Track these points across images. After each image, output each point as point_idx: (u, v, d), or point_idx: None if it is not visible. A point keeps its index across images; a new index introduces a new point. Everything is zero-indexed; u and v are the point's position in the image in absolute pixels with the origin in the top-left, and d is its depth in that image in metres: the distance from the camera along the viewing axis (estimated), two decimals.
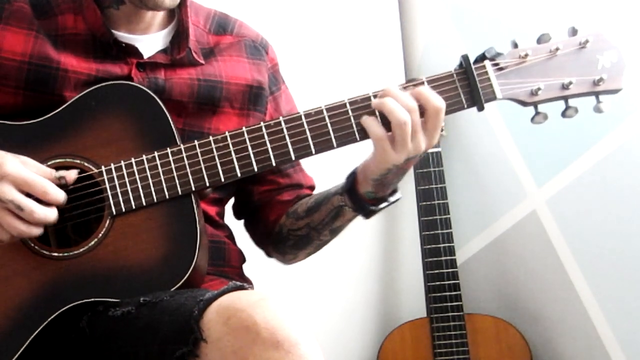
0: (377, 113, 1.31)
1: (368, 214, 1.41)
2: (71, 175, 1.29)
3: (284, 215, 1.54)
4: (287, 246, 1.55)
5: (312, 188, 1.60)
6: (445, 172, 2.39)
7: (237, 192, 1.59)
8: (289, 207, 1.54)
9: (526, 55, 1.32)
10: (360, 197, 1.38)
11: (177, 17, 1.48)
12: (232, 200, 1.61)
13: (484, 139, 2.41)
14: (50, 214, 1.25)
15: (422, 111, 1.29)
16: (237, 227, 1.60)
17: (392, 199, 1.40)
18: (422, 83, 1.31)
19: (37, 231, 1.26)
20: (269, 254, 1.62)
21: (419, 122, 1.28)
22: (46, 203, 1.25)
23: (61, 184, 1.27)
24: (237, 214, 1.63)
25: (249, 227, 1.62)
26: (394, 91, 1.29)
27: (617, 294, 2.22)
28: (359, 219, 1.44)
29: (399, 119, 1.27)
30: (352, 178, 1.39)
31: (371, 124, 1.30)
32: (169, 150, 1.32)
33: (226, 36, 1.54)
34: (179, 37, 1.46)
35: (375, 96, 1.31)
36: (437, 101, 1.28)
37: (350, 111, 1.31)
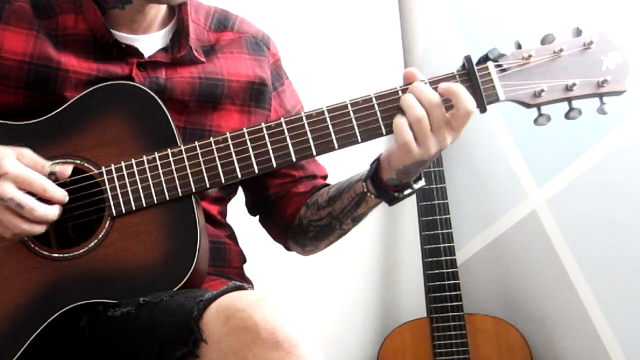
0: (379, 114, 1.31)
1: (392, 201, 1.39)
2: (64, 171, 1.28)
3: (303, 206, 1.53)
4: (307, 238, 1.54)
5: (325, 177, 1.60)
6: (445, 172, 2.40)
7: (251, 188, 1.59)
8: (306, 199, 1.53)
9: (529, 56, 1.31)
10: (384, 184, 1.37)
11: (177, 16, 1.48)
12: (234, 201, 1.60)
13: (484, 139, 2.41)
14: (51, 212, 1.25)
15: (451, 105, 1.28)
16: (239, 227, 1.60)
17: (416, 186, 1.39)
18: (425, 84, 1.31)
19: (38, 229, 1.26)
20: (288, 248, 1.61)
21: (442, 118, 1.28)
22: (46, 200, 1.25)
23: (52, 180, 1.27)
24: (252, 210, 1.62)
25: (265, 223, 1.62)
26: (417, 87, 1.29)
27: (617, 294, 2.22)
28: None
29: (413, 115, 1.27)
30: (376, 165, 1.38)
31: (400, 128, 1.29)
32: (169, 151, 1.31)
33: (227, 32, 1.53)
34: (179, 35, 1.46)
35: (377, 97, 1.31)
36: (469, 104, 1.27)
37: (351, 112, 1.31)
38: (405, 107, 1.28)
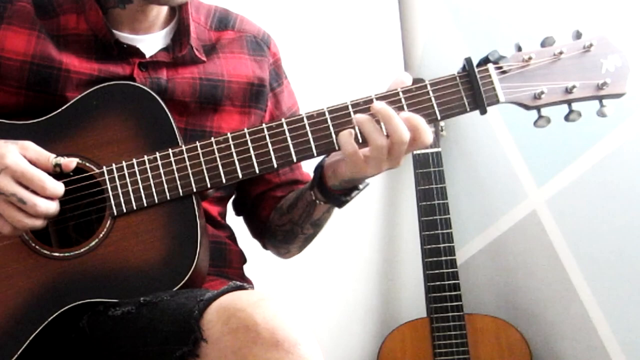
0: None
1: (340, 205, 1.41)
2: (70, 164, 1.28)
3: (273, 211, 1.55)
4: (277, 241, 1.57)
5: None
6: (445, 172, 2.39)
7: (236, 190, 1.60)
8: (278, 203, 1.55)
9: (530, 58, 1.31)
10: (329, 189, 1.39)
11: (178, 15, 1.48)
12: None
13: (484, 139, 2.41)
14: (52, 206, 1.26)
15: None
16: (239, 228, 1.60)
17: (361, 186, 1.39)
18: (425, 85, 1.31)
19: (39, 223, 1.26)
20: (265, 247, 1.64)
21: (404, 150, 1.28)
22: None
23: (57, 172, 1.27)
24: (236, 211, 1.65)
25: (247, 223, 1.65)
26: (392, 117, 1.27)
27: (617, 294, 2.22)
28: (366, 210, 1.44)
29: (376, 144, 1.27)
30: (319, 172, 1.39)
31: (345, 141, 1.29)
32: (170, 151, 1.31)
33: (227, 31, 1.54)
34: (180, 35, 1.46)
35: (378, 98, 1.31)
36: (428, 139, 1.28)
37: (352, 113, 1.31)
38: (366, 133, 1.27)
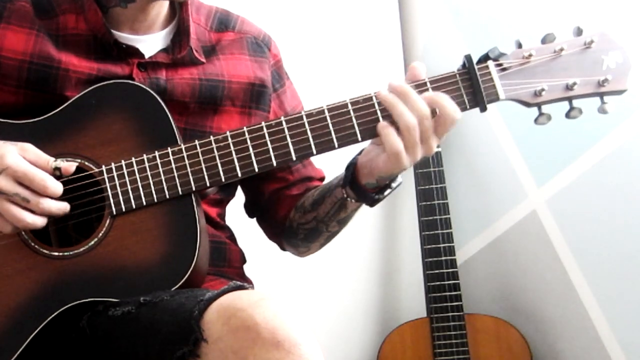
0: (379, 113, 1.30)
1: (373, 203, 1.39)
2: (69, 168, 1.29)
3: (293, 209, 1.53)
4: (298, 239, 1.54)
5: (322, 179, 1.60)
6: (445, 172, 2.39)
7: (247, 191, 1.60)
8: (297, 201, 1.54)
9: (530, 55, 1.31)
10: (362, 188, 1.37)
11: (178, 16, 1.48)
12: (233, 201, 1.60)
13: (484, 139, 2.41)
14: (54, 205, 1.26)
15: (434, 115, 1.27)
16: (239, 228, 1.60)
17: (394, 184, 1.38)
18: (425, 83, 1.31)
19: (41, 222, 1.26)
20: (282, 248, 1.63)
21: (431, 128, 1.27)
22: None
23: (56, 175, 1.27)
24: (249, 212, 1.63)
25: (261, 224, 1.63)
26: (409, 93, 1.27)
27: (617, 294, 2.22)
28: (366, 210, 1.43)
29: (406, 125, 1.26)
30: (353, 169, 1.37)
31: (391, 137, 1.27)
32: (169, 150, 1.31)
33: (228, 33, 1.53)
34: (180, 36, 1.46)
35: (377, 96, 1.30)
36: (454, 112, 1.27)
37: (352, 111, 1.31)
38: (396, 115, 1.27)
